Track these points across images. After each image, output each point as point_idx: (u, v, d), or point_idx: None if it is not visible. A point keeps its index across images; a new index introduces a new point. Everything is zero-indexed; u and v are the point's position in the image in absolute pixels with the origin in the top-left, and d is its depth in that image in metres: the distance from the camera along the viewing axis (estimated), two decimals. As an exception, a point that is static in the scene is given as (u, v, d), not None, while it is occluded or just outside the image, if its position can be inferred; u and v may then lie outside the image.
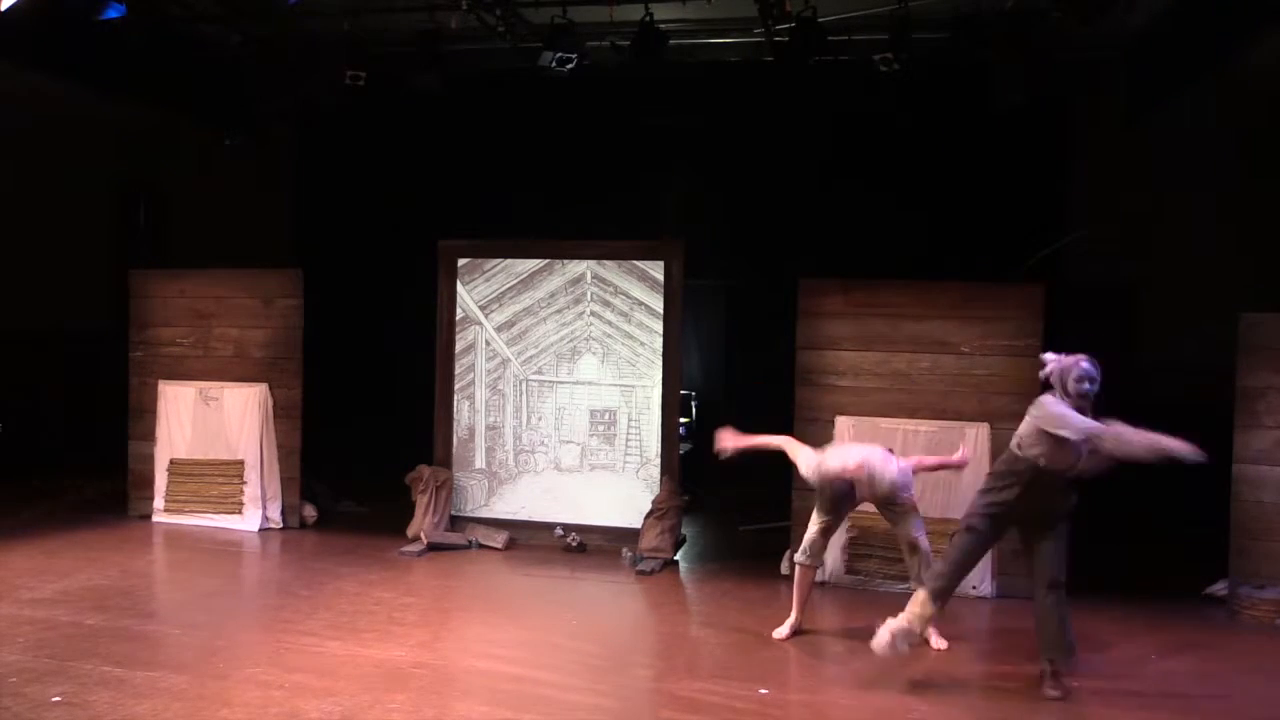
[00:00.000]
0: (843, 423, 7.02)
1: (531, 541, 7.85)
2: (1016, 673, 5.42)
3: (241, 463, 8.25)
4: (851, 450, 5.77)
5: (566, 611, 6.14)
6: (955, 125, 9.36)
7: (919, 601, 5.07)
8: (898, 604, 6.58)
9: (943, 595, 5.10)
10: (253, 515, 8.20)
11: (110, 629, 5.58)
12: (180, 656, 5.25)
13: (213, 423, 8.37)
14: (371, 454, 9.25)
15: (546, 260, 7.97)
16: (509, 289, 8.04)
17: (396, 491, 8.07)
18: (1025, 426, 4.99)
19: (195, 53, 9.04)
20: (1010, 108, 8.18)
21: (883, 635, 5.02)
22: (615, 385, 7.87)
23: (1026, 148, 9.45)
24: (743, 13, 7.91)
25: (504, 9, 7.82)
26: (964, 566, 5.13)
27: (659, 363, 7.74)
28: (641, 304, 7.80)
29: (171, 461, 8.42)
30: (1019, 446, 4.99)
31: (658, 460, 7.71)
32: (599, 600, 6.55)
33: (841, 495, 5.70)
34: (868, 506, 6.96)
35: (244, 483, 8.24)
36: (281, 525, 8.23)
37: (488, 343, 8.08)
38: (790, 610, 5.83)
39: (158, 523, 8.34)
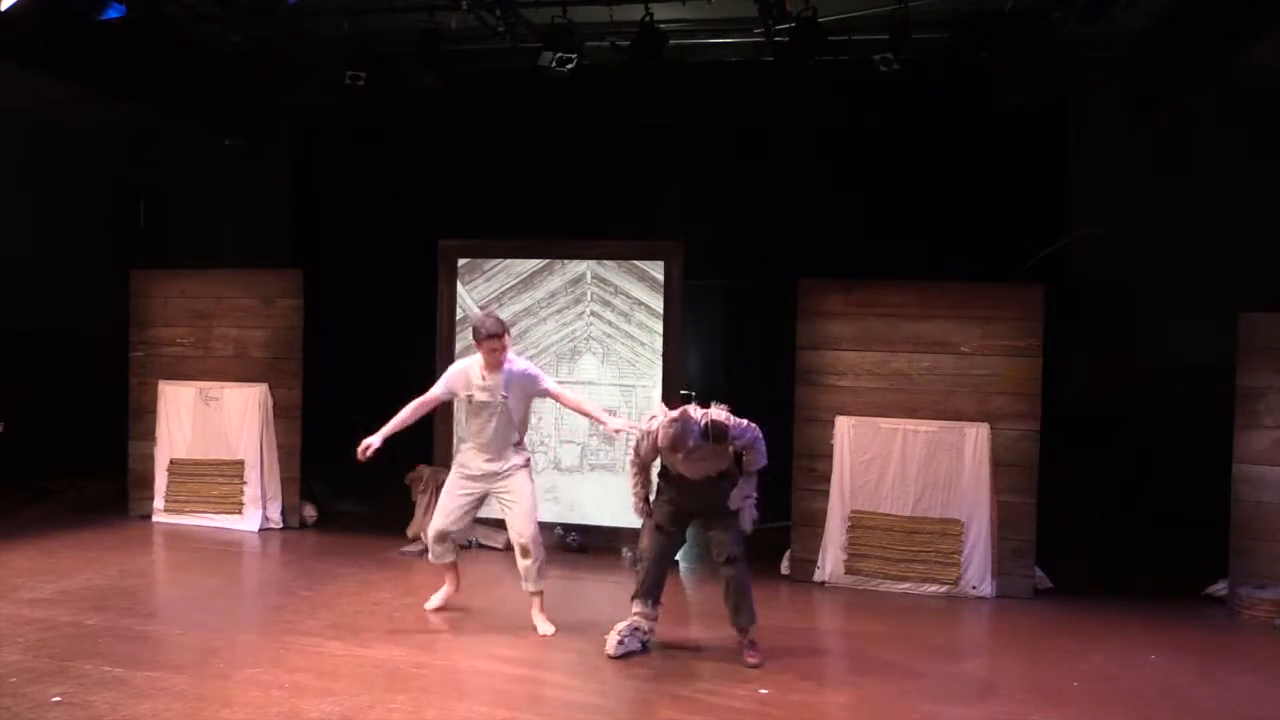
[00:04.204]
0: (843, 423, 7.03)
1: (531, 541, 7.83)
2: (1017, 673, 5.42)
3: (241, 463, 8.25)
4: None
5: (567, 611, 6.13)
6: (955, 125, 9.35)
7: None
8: (897, 604, 6.64)
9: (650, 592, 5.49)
10: (253, 515, 8.21)
11: (110, 629, 5.57)
12: (180, 656, 5.25)
13: (213, 423, 8.37)
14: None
15: (546, 260, 7.97)
16: (509, 289, 8.04)
17: (396, 491, 8.08)
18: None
19: (195, 53, 9.04)
20: (1010, 108, 8.18)
21: (612, 638, 5.39)
22: (615, 385, 7.87)
23: (1026, 148, 9.45)
24: (743, 13, 7.91)
25: (504, 9, 7.82)
26: (661, 563, 5.52)
27: (659, 363, 7.74)
28: (641, 304, 7.80)
29: (171, 461, 8.42)
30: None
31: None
32: (599, 600, 6.55)
33: None
34: (867, 506, 6.99)
35: (244, 483, 8.25)
36: (281, 525, 8.24)
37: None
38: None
39: (158, 523, 8.34)
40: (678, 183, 10.21)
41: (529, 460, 5.85)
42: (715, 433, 5.09)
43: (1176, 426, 8.53)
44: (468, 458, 5.80)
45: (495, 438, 5.68)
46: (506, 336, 5.59)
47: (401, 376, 9.53)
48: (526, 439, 5.89)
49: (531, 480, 5.81)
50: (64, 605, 5.95)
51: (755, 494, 5.33)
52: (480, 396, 5.63)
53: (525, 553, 5.67)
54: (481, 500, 5.83)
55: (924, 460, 6.89)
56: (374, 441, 5.67)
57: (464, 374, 5.72)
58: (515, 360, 5.72)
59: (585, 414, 5.91)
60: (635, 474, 5.48)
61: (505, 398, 5.61)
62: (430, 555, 5.95)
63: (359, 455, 5.66)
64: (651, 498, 5.54)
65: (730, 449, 5.28)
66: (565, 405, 5.96)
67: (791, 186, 9.86)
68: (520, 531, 5.68)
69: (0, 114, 9.38)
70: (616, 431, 5.87)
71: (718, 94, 9.55)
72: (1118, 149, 9.43)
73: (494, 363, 5.57)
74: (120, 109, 9.25)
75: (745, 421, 5.28)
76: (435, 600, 6.08)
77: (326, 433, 8.74)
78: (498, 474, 5.71)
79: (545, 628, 5.71)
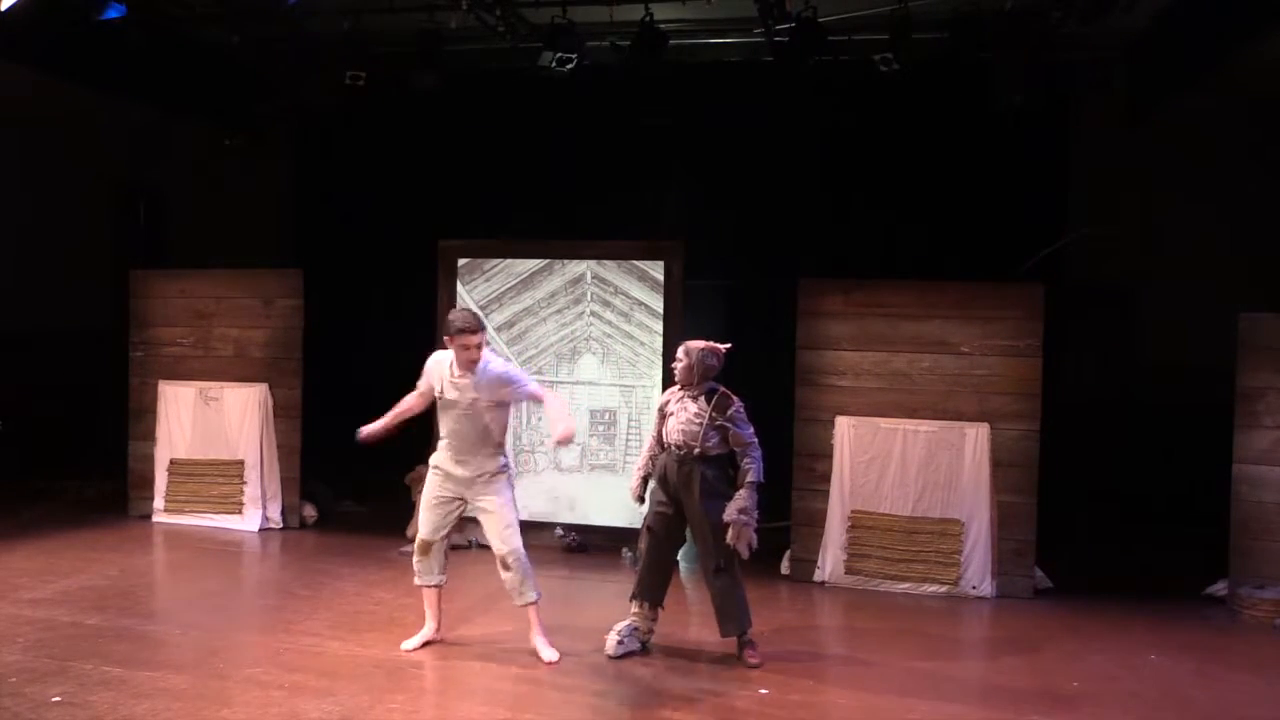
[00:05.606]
0: (843, 423, 7.02)
1: (532, 541, 7.77)
2: (1017, 673, 5.42)
3: (241, 463, 8.25)
4: None
5: (567, 611, 6.13)
6: (955, 125, 9.35)
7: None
8: (897, 604, 6.64)
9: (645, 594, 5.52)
10: (253, 515, 8.21)
11: (110, 629, 5.58)
12: (180, 656, 5.25)
13: (213, 423, 8.37)
14: (371, 454, 9.22)
15: (546, 260, 7.97)
16: (509, 289, 8.04)
17: (396, 491, 8.08)
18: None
19: (195, 53, 9.04)
20: (1010, 108, 8.18)
21: (612, 638, 5.44)
22: (615, 385, 7.87)
23: (1026, 148, 9.45)
24: (743, 13, 7.90)
25: (504, 9, 7.82)
26: (654, 565, 5.54)
27: (659, 363, 7.74)
28: (641, 304, 7.80)
29: (171, 461, 8.42)
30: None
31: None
32: (599, 600, 6.55)
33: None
34: (867, 506, 6.98)
35: (244, 483, 8.25)
36: (281, 525, 8.24)
37: (488, 342, 8.06)
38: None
39: (158, 523, 8.34)
40: (678, 183, 10.20)
41: (506, 466, 5.42)
42: (720, 399, 5.38)
43: (1176, 426, 8.53)
44: (441, 458, 5.44)
45: (464, 441, 5.32)
46: (482, 335, 5.25)
47: (402, 377, 9.56)
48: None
49: (510, 487, 5.41)
50: (64, 605, 5.96)
51: (755, 515, 5.24)
52: (449, 394, 5.30)
53: (505, 565, 5.33)
54: (461, 509, 5.44)
55: (924, 460, 6.89)
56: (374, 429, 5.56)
57: (439, 366, 5.42)
58: (493, 361, 5.35)
59: (551, 416, 5.36)
60: (644, 452, 5.66)
61: (474, 399, 5.25)
62: (415, 574, 5.53)
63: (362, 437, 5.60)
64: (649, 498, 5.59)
65: (724, 429, 5.33)
66: (544, 409, 5.48)
67: (791, 186, 9.86)
68: (498, 544, 5.32)
69: (0, 113, 9.38)
70: (559, 443, 5.29)
71: (718, 94, 9.54)
72: (1118, 149, 9.43)
73: (464, 361, 5.23)
74: (121, 109, 9.25)
75: (751, 427, 5.37)
76: (414, 641, 5.51)
77: (326, 433, 8.75)
78: (472, 480, 5.34)
79: (548, 653, 5.34)
